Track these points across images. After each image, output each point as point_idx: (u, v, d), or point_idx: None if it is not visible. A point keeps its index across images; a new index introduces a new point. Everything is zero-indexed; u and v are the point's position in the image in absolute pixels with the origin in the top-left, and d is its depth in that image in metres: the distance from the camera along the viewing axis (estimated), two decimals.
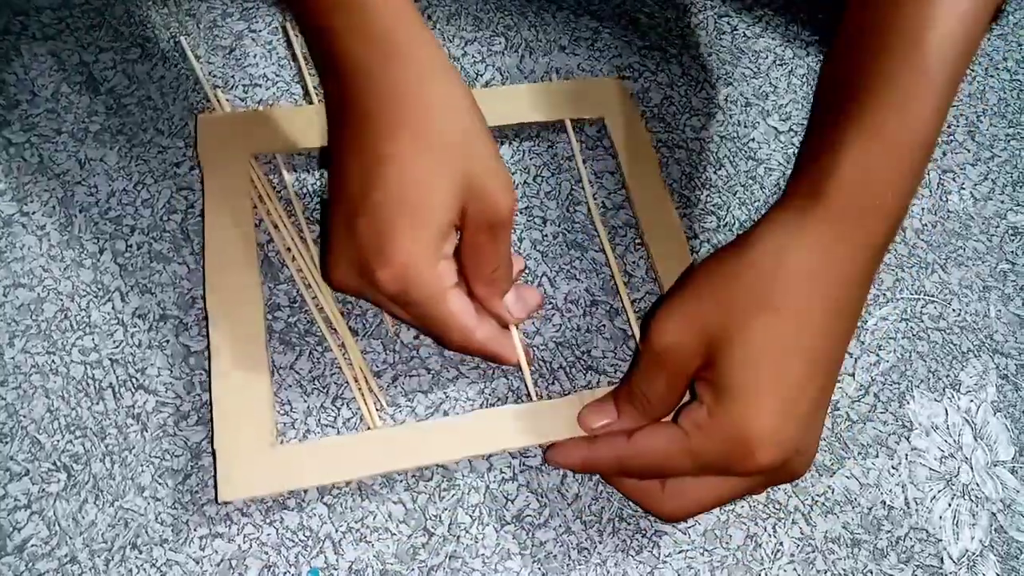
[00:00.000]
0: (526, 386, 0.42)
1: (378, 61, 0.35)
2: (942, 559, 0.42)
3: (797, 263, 0.33)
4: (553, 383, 0.43)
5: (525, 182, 0.49)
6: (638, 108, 0.51)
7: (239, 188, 0.44)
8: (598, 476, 0.41)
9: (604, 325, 0.45)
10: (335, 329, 0.43)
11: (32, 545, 0.37)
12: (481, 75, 0.52)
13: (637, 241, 0.48)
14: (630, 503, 0.41)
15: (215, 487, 0.38)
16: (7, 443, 0.38)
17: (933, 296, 0.49)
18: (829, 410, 0.44)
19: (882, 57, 0.34)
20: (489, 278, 0.39)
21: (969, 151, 0.55)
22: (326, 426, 0.41)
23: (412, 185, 0.35)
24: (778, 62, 0.56)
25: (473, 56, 0.53)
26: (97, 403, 0.40)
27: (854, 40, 0.36)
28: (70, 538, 0.37)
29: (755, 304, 0.33)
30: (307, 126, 0.47)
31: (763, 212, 0.50)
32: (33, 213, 0.44)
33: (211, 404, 0.39)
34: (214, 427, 0.38)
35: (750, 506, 0.41)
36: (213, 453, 0.38)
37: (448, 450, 0.40)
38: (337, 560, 0.38)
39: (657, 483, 0.37)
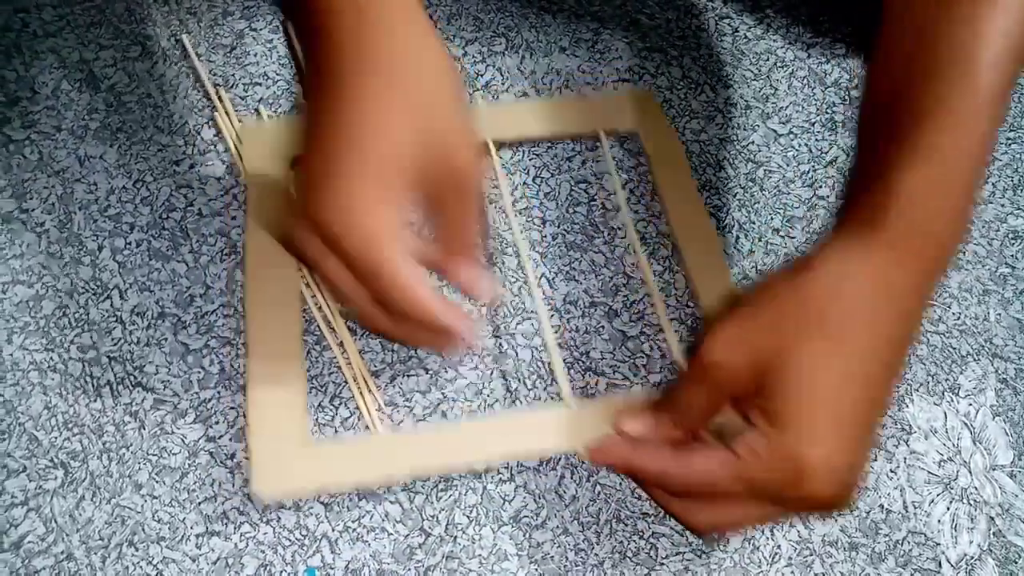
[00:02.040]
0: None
1: (352, 14, 0.34)
2: (940, 563, 0.41)
3: (855, 292, 0.33)
4: (551, 383, 0.43)
5: (524, 183, 0.49)
6: (668, 120, 0.51)
7: (279, 194, 0.44)
8: (595, 478, 0.41)
9: (603, 326, 0.45)
10: (334, 328, 0.43)
11: (29, 542, 0.37)
12: (481, 75, 0.52)
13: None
14: (627, 505, 0.41)
15: (248, 485, 0.38)
16: (5, 440, 0.38)
17: (933, 300, 0.49)
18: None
19: (933, 78, 0.34)
20: (452, 245, 0.36)
21: None
22: (324, 425, 0.41)
23: (370, 130, 0.34)
24: (779, 64, 0.56)
25: (473, 56, 0.53)
26: (95, 400, 0.40)
27: (900, 60, 0.36)
28: (67, 535, 0.37)
29: (812, 331, 0.33)
30: None
31: (762, 214, 0.50)
32: (32, 210, 0.44)
33: (245, 402, 0.39)
34: (249, 425, 0.38)
35: None
36: (245, 456, 0.38)
37: (484, 451, 0.40)
38: (334, 559, 0.38)
39: (704, 524, 0.36)
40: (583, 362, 0.44)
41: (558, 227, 0.48)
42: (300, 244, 0.35)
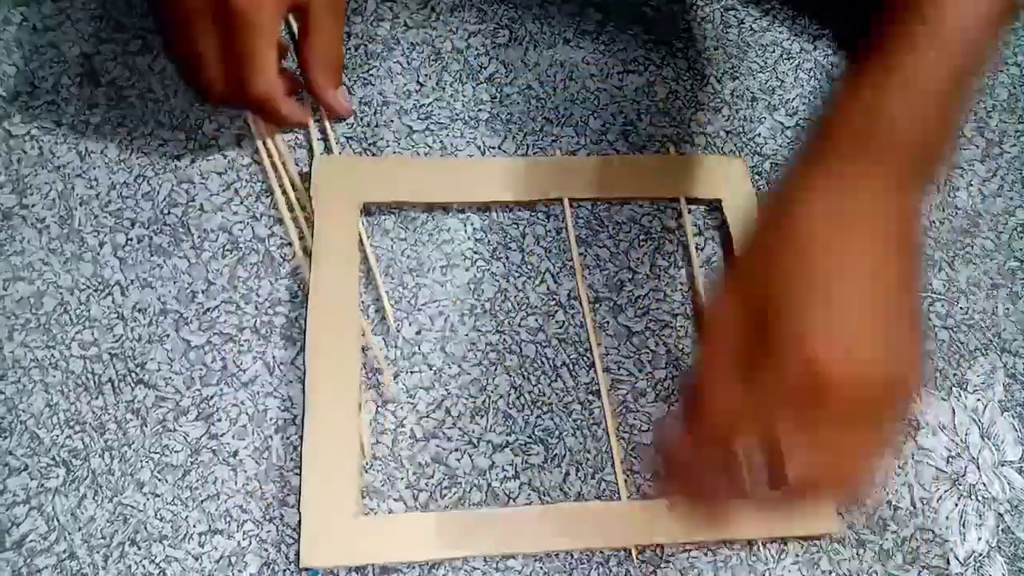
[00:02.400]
0: None
1: None
2: (948, 560, 0.41)
3: (806, 205, 0.33)
4: (556, 379, 0.43)
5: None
6: (753, 190, 0.49)
7: (348, 237, 0.43)
8: (600, 475, 0.41)
9: (608, 322, 0.45)
10: None
11: (31, 541, 0.36)
12: (485, 67, 0.51)
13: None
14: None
15: (297, 550, 0.37)
16: (6, 438, 0.38)
17: (940, 294, 0.48)
18: None
19: (895, 17, 0.34)
20: (318, 58, 0.44)
21: (978, 147, 0.54)
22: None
23: None
24: (785, 56, 0.55)
25: (477, 49, 0.52)
26: (96, 398, 0.40)
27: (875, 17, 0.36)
28: (69, 534, 0.37)
29: (776, 250, 0.33)
30: (421, 178, 0.46)
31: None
32: (33, 206, 0.44)
33: (300, 468, 0.38)
34: (301, 493, 0.37)
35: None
36: (298, 526, 0.37)
37: (538, 540, 0.39)
38: None
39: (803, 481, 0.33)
40: (587, 358, 0.44)
41: (561, 222, 0.47)
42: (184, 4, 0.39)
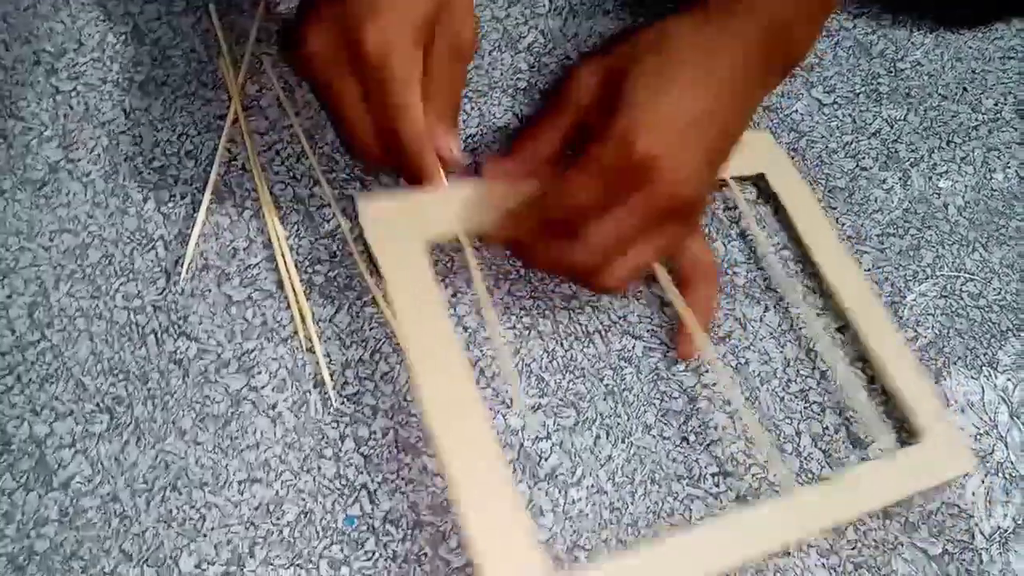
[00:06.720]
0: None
1: None
2: (973, 535, 0.41)
3: (682, 29, 0.40)
4: (588, 345, 0.43)
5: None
6: (790, 159, 0.49)
7: (424, 282, 0.39)
8: (631, 439, 0.41)
9: (640, 290, 0.45)
10: (378, 281, 0.43)
11: (76, 482, 0.37)
12: (524, 37, 0.52)
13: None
14: (663, 467, 0.41)
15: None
16: (53, 383, 0.39)
17: (973, 274, 0.48)
18: (864, 384, 0.44)
19: None
20: (439, 106, 0.41)
21: (1016, 130, 0.54)
22: (364, 379, 0.41)
23: None
24: (824, 34, 0.55)
25: (516, 18, 0.52)
26: (139, 348, 0.41)
27: None
28: (112, 478, 0.38)
29: (645, 52, 0.40)
30: (481, 206, 0.41)
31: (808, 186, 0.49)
32: (79, 160, 0.44)
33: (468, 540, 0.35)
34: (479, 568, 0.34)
35: (782, 474, 0.42)
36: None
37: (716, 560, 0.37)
38: (373, 509, 0.38)
39: (585, 256, 0.39)
40: (621, 325, 0.44)
41: None
42: (318, 59, 0.39)
